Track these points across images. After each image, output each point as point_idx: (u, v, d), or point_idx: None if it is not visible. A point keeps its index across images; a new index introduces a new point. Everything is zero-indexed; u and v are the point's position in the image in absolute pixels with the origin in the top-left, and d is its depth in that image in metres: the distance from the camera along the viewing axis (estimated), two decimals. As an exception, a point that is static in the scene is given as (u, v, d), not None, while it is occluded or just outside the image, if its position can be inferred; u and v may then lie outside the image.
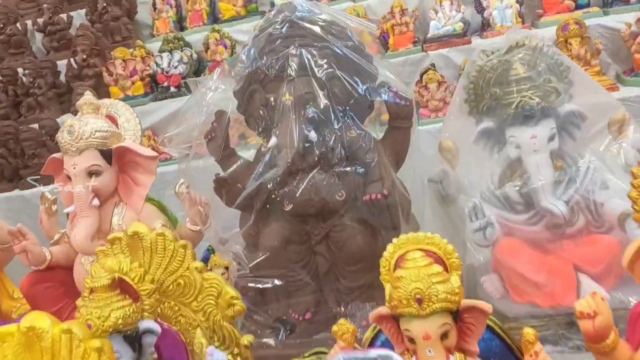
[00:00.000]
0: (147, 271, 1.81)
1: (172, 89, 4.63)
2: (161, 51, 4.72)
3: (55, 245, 2.68)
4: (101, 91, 4.66)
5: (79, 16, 5.27)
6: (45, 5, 5.22)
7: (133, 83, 4.73)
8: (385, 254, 1.64)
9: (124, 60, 4.73)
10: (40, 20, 5.21)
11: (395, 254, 1.63)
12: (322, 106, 2.27)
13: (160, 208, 2.60)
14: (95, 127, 2.45)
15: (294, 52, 2.30)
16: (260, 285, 2.30)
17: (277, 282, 2.30)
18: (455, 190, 2.32)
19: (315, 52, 2.29)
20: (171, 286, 1.86)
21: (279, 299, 2.34)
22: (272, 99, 2.32)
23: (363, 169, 2.28)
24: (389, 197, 2.22)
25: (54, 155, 2.58)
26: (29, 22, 5.27)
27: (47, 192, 2.71)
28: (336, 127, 2.30)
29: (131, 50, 4.83)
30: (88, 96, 2.56)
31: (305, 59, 2.27)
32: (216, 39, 4.71)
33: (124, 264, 1.77)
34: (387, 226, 2.26)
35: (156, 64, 4.69)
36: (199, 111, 2.44)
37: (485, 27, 4.30)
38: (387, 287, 1.60)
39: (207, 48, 4.74)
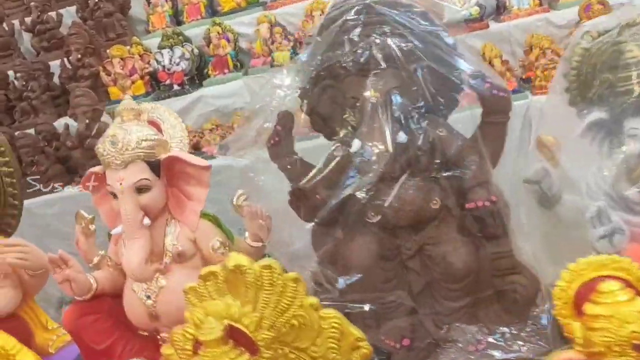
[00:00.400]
0: (263, 316, 1.40)
1: (175, 87, 4.24)
2: (161, 47, 4.33)
3: (96, 269, 2.25)
4: (99, 92, 4.24)
5: (69, 14, 4.83)
6: (32, 3, 4.77)
7: (133, 82, 4.35)
8: (560, 283, 1.28)
9: (122, 59, 4.28)
10: (28, 20, 4.76)
11: (574, 283, 1.27)
12: (410, 102, 1.87)
13: (217, 223, 2.21)
14: (140, 135, 2.05)
15: (377, 41, 1.89)
16: (349, 311, 1.89)
17: (369, 306, 1.90)
18: (559, 190, 1.95)
19: (400, 41, 1.90)
20: (283, 329, 1.46)
21: (368, 325, 1.94)
22: (353, 96, 1.91)
23: (461, 173, 1.88)
24: (498, 203, 1.83)
25: (93, 169, 2.17)
26: (16, 22, 4.78)
27: (83, 211, 2.29)
28: (424, 125, 1.90)
29: (127, 47, 4.38)
30: (128, 101, 2.16)
31: (391, 49, 1.88)
32: (218, 33, 4.32)
33: (234, 308, 1.39)
34: (497, 236, 1.88)
35: (157, 61, 4.26)
36: (266, 112, 2.03)
37: (501, 10, 3.99)
38: (576, 327, 1.24)
39: (208, 42, 4.35)
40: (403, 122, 1.90)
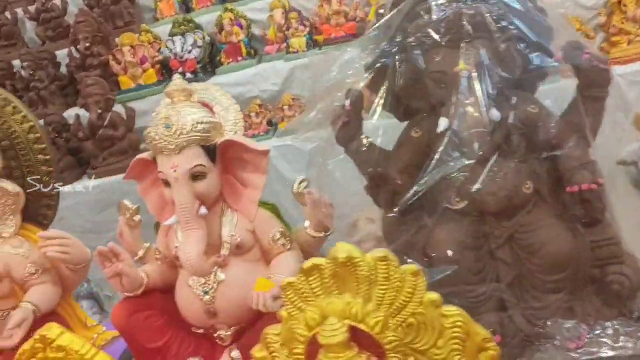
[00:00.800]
0: (390, 315, 1.17)
1: (188, 75, 3.96)
2: (172, 35, 4.08)
3: (141, 263, 2.03)
4: (108, 81, 3.98)
5: (74, 1, 4.56)
6: (36, -10, 4.45)
7: (144, 71, 4.06)
8: None
9: (132, 47, 4.01)
10: (32, 8, 4.45)
11: None
12: (502, 75, 1.65)
13: (275, 213, 1.97)
14: (195, 118, 1.82)
15: (467, 9, 1.66)
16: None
17: (454, 300, 1.66)
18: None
19: (492, 7, 1.67)
20: (400, 328, 1.23)
21: (454, 321, 1.71)
22: (438, 69, 1.69)
23: (561, 153, 1.66)
24: (604, 186, 1.62)
25: (142, 155, 1.93)
26: (20, 10, 4.50)
27: (126, 201, 2.05)
28: (514, 101, 1.68)
29: (136, 35, 4.11)
30: (179, 80, 1.92)
31: (485, 17, 1.65)
32: (230, 19, 4.08)
33: (356, 307, 1.16)
34: (600, 221, 1.67)
35: (168, 49, 4.00)
36: (338, 91, 1.80)
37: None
38: None
39: (220, 29, 4.12)
40: (494, 97, 1.67)
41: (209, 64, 4.19)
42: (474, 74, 1.66)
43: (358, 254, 1.23)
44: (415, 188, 1.69)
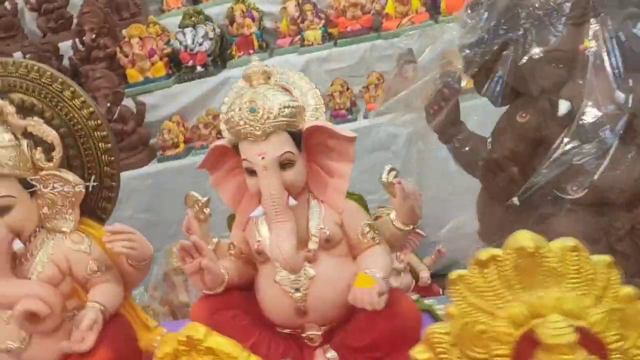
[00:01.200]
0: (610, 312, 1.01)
1: (199, 68, 3.76)
2: (182, 27, 3.84)
3: (211, 258, 1.82)
4: (116, 74, 3.73)
5: (77, -7, 4.27)
6: (37, -19, 4.20)
7: (153, 64, 3.81)
8: None
9: (140, 39, 3.78)
10: (32, -1, 4.20)
11: None
12: (625, 54, 1.49)
13: (362, 204, 1.80)
14: (281, 102, 1.64)
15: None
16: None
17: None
18: None
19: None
20: (593, 326, 1.06)
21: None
22: (558, 48, 1.53)
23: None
24: None
25: (219, 142, 1.74)
26: (20, 1, 4.24)
27: (195, 192, 1.86)
28: (631, 83, 1.53)
29: (144, 27, 3.90)
30: (257, 62, 1.73)
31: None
32: (242, 11, 3.89)
33: (571, 301, 0.99)
34: None
35: (178, 41, 3.78)
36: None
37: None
38: None
39: (232, 21, 3.91)
40: (619, 78, 1.51)
41: (219, 57, 3.98)
42: (603, 53, 1.49)
43: (545, 244, 1.06)
44: (535, 176, 1.53)
